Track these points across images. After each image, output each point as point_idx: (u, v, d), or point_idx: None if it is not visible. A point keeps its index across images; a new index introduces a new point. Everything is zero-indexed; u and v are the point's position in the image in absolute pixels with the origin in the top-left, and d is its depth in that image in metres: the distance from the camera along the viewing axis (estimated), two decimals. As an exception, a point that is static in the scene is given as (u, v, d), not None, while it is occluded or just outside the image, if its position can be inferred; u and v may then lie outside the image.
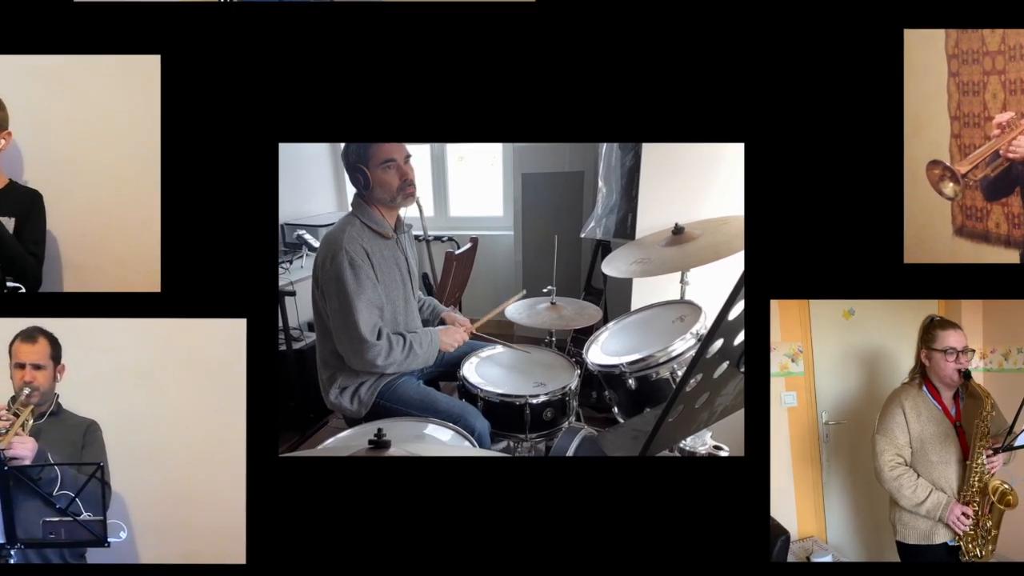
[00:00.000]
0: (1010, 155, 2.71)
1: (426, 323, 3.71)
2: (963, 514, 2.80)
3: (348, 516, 2.68)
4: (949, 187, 2.70)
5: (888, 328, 2.93)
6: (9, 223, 2.67)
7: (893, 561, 2.92)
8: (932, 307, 2.86)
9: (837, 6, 2.73)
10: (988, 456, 2.80)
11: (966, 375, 2.85)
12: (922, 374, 2.90)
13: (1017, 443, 2.71)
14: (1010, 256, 2.81)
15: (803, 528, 2.98)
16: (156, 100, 2.67)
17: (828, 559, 3.09)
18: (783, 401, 2.95)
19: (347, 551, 2.67)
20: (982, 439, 2.80)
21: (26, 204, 2.74)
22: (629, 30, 2.70)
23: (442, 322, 3.75)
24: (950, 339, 2.84)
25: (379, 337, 3.20)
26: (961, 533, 2.79)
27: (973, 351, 2.89)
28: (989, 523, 2.81)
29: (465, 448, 2.97)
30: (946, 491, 2.82)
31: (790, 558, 2.81)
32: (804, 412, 3.01)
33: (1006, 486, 2.79)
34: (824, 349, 2.99)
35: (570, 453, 2.89)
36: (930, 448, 2.86)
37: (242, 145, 2.69)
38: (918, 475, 2.84)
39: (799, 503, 2.92)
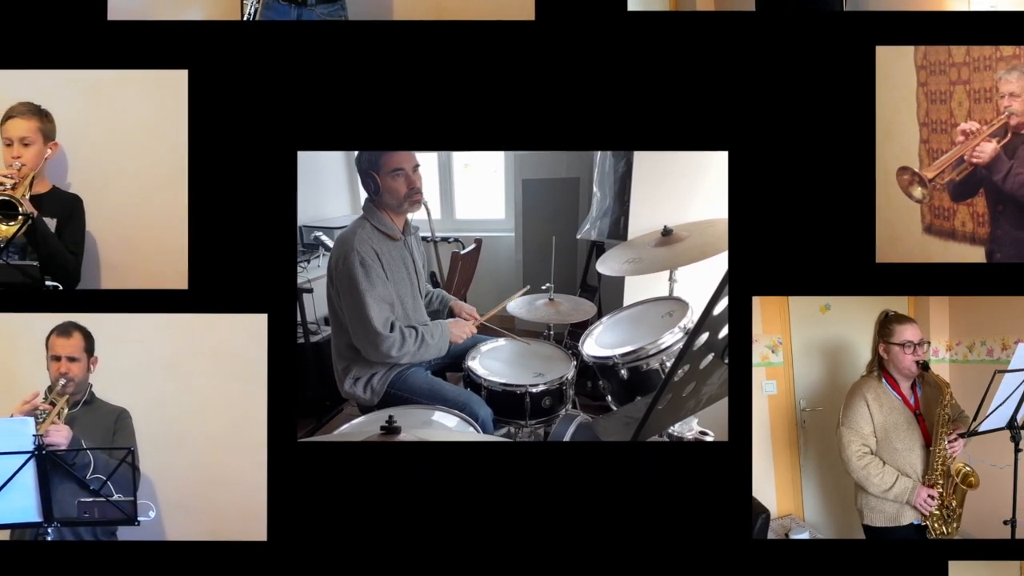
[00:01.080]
0: (974, 160, 2.73)
1: (436, 314, 3.71)
2: (929, 496, 2.80)
3: (361, 497, 2.69)
4: (918, 191, 2.72)
5: (861, 322, 2.94)
6: (51, 223, 2.68)
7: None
8: (902, 303, 2.86)
9: (814, 25, 2.74)
10: (951, 441, 2.81)
11: (924, 366, 2.85)
12: (880, 366, 2.90)
13: (981, 429, 2.71)
14: (975, 252, 2.82)
15: (782, 507, 2.99)
16: (184, 111, 2.67)
17: (805, 536, 3.10)
18: (764, 389, 2.96)
19: (360, 528, 2.68)
20: (944, 426, 2.80)
21: (67, 207, 2.74)
22: (622, 47, 2.71)
23: (451, 313, 3.75)
24: (907, 333, 2.84)
25: (392, 330, 3.21)
26: (927, 514, 2.80)
27: (928, 343, 2.89)
28: (954, 503, 2.81)
29: (470, 433, 2.98)
30: (911, 476, 2.82)
31: (770, 535, 2.82)
32: (783, 399, 3.01)
33: (968, 467, 2.80)
34: (802, 341, 3.00)
35: (567, 438, 2.90)
36: (894, 436, 2.86)
37: (263, 153, 2.70)
38: (884, 463, 2.84)
39: (778, 484, 2.93)
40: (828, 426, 3.00)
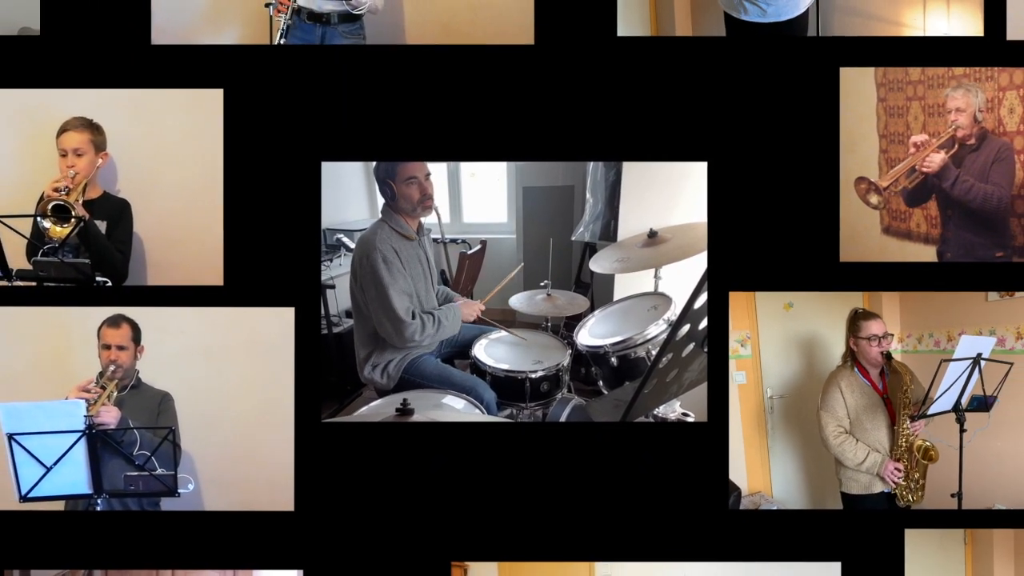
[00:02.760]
0: (924, 169, 2.74)
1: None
2: (895, 469, 2.82)
3: (379, 471, 2.69)
4: (874, 198, 2.73)
5: (822, 318, 2.94)
6: (102, 225, 2.69)
7: (831, 509, 2.94)
8: (858, 298, 2.87)
9: (785, 49, 2.75)
10: (912, 422, 2.82)
11: (887, 356, 2.87)
12: (852, 357, 2.92)
13: (930, 412, 2.72)
14: (928, 251, 2.83)
15: (752, 485, 2.98)
16: (219, 126, 2.68)
17: (774, 509, 3.11)
18: (734, 379, 2.95)
19: (378, 499, 2.68)
20: (905, 408, 2.82)
21: (116, 211, 2.75)
22: (612, 68, 2.71)
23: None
24: (872, 328, 2.85)
25: (413, 317, 3.21)
26: (894, 484, 2.82)
27: (892, 335, 2.90)
28: (917, 475, 2.83)
29: (475, 415, 2.98)
30: (880, 451, 2.85)
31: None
32: (752, 388, 3.01)
33: (928, 444, 2.81)
34: (768, 335, 2.99)
35: (563, 419, 2.89)
36: (864, 418, 2.89)
37: (290, 163, 2.70)
38: (857, 440, 2.87)
39: (748, 464, 2.92)
40: (792, 411, 3.01)
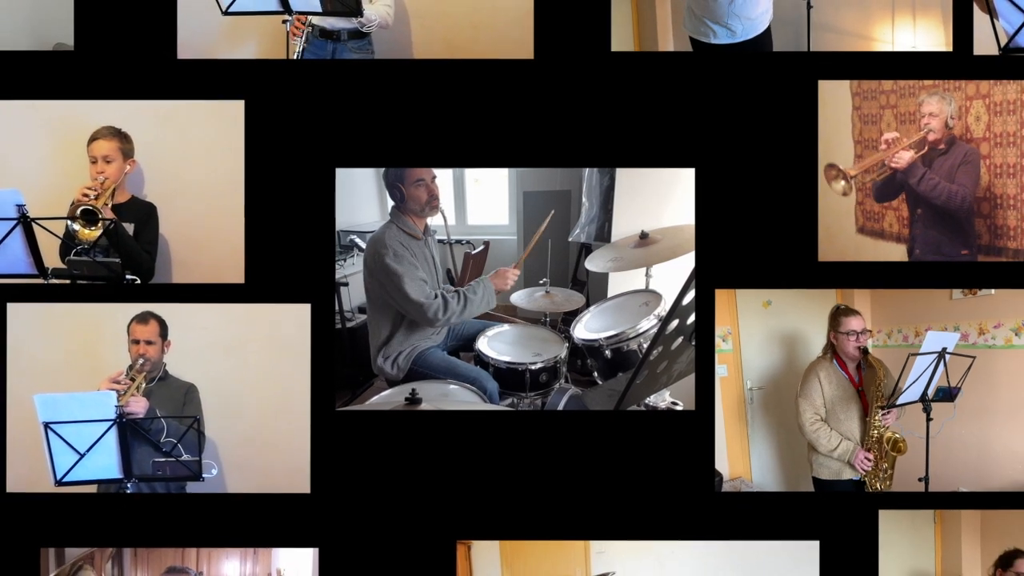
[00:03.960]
0: (893, 165, 2.74)
1: None
2: (866, 458, 2.82)
3: (389, 456, 2.70)
4: (840, 184, 2.70)
5: (797, 314, 2.95)
6: (130, 228, 2.69)
7: (809, 491, 2.95)
8: (832, 296, 2.87)
9: (767, 63, 2.75)
10: (883, 414, 2.82)
11: (864, 351, 2.87)
12: (832, 350, 2.92)
13: (899, 402, 2.73)
14: (899, 249, 2.85)
15: (733, 471, 2.99)
16: (240, 135, 2.68)
17: (757, 491, 3.11)
18: (717, 372, 2.96)
19: (388, 482, 2.69)
20: (877, 401, 2.83)
21: (143, 214, 2.75)
22: (606, 81, 2.72)
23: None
24: (852, 324, 2.86)
25: (435, 297, 3.21)
26: (864, 472, 2.83)
27: (870, 332, 2.91)
28: (886, 465, 2.83)
29: (479, 404, 2.99)
30: (852, 440, 2.85)
31: (724, 493, 2.85)
32: (733, 380, 3.01)
33: (897, 436, 2.81)
34: (748, 331, 3.00)
35: (560, 407, 2.90)
36: (839, 408, 2.89)
37: (306, 169, 2.71)
38: (831, 428, 2.87)
39: (729, 451, 2.93)
40: (770, 402, 3.01)
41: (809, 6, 2.72)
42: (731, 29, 2.87)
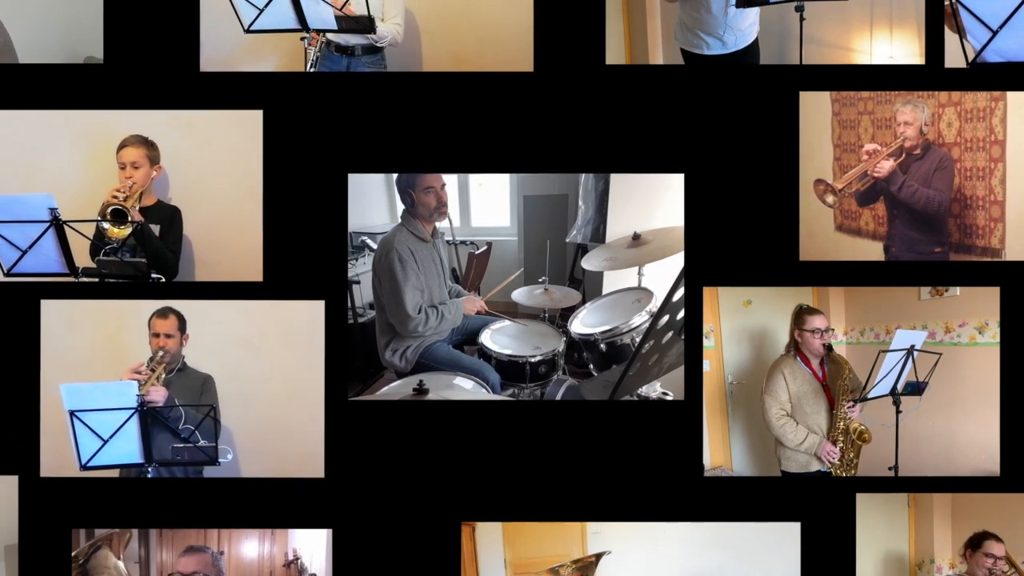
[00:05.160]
0: (875, 174, 2.76)
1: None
2: (832, 450, 2.82)
3: (398, 443, 2.70)
4: (830, 198, 2.73)
5: (775, 312, 2.94)
6: (155, 229, 2.69)
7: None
8: (809, 294, 2.87)
9: (751, 75, 2.76)
10: (849, 406, 2.83)
11: (829, 348, 2.88)
12: (795, 347, 2.90)
13: (871, 395, 2.73)
14: (875, 247, 2.87)
15: (714, 460, 2.98)
16: (259, 142, 2.69)
17: (742, 476, 3.10)
18: (702, 365, 2.95)
19: (397, 467, 2.70)
20: (844, 395, 2.83)
21: (168, 216, 2.76)
22: (601, 92, 2.72)
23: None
24: (816, 322, 2.85)
25: (419, 312, 3.23)
26: (830, 464, 2.83)
27: (833, 329, 2.91)
28: (851, 455, 2.84)
29: (482, 394, 3.00)
30: (818, 433, 2.85)
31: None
32: (715, 375, 3.00)
33: (862, 427, 2.82)
34: (729, 329, 3.00)
35: (558, 397, 2.91)
36: (805, 402, 2.88)
37: (321, 174, 2.71)
38: (797, 423, 2.86)
39: (710, 442, 2.91)
40: (751, 397, 3.01)
41: (802, 18, 2.72)
42: (723, 40, 2.88)
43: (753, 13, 2.87)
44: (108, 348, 2.73)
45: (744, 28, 2.88)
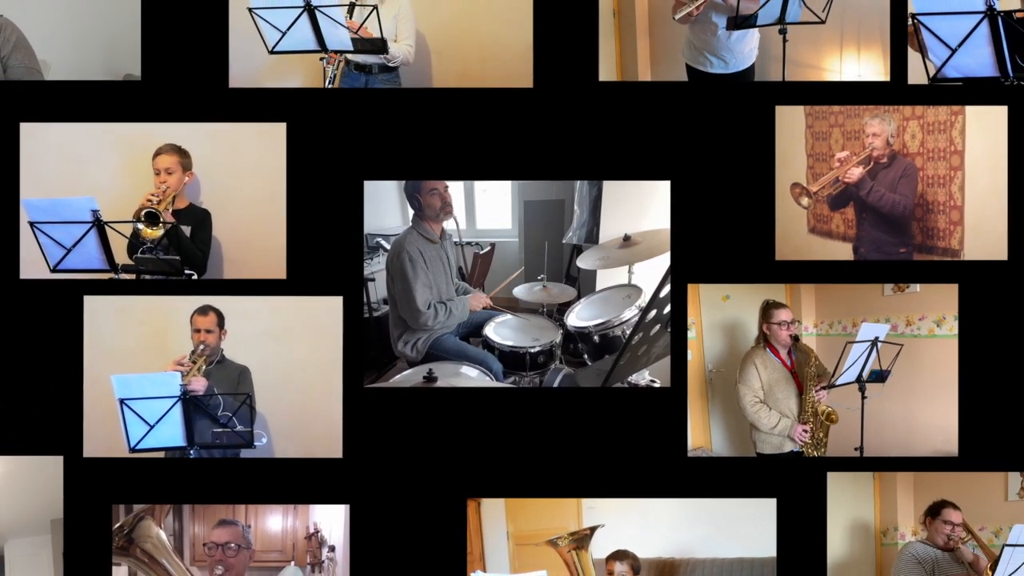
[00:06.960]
0: (846, 180, 2.76)
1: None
2: (803, 431, 2.83)
3: (409, 426, 2.71)
4: (805, 200, 2.73)
5: (751, 306, 2.93)
6: (187, 230, 2.70)
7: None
8: (782, 291, 2.87)
9: (730, 92, 2.76)
10: (817, 391, 2.83)
11: (795, 338, 2.88)
12: (764, 339, 2.90)
13: (838, 383, 2.75)
14: (845, 248, 2.87)
15: (695, 442, 2.96)
16: (283, 152, 2.70)
17: (721, 456, 3.10)
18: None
19: (409, 448, 2.71)
20: (812, 380, 2.84)
21: (199, 219, 2.76)
22: (594, 106, 2.73)
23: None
24: (782, 315, 2.84)
25: (429, 308, 3.23)
26: (802, 444, 2.83)
27: (798, 321, 2.91)
28: (820, 434, 2.84)
29: (486, 381, 3.00)
30: (789, 417, 2.85)
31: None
32: (696, 364, 2.99)
33: (830, 409, 2.82)
34: (709, 321, 3.00)
35: (556, 385, 2.92)
36: (776, 389, 2.88)
37: (339, 181, 2.72)
38: (770, 408, 2.86)
39: (692, 425, 2.90)
40: (729, 384, 3.00)
41: (785, 40, 2.74)
42: (725, 61, 2.90)
43: (754, 40, 2.89)
44: (153, 342, 2.74)
45: (745, 52, 2.90)
